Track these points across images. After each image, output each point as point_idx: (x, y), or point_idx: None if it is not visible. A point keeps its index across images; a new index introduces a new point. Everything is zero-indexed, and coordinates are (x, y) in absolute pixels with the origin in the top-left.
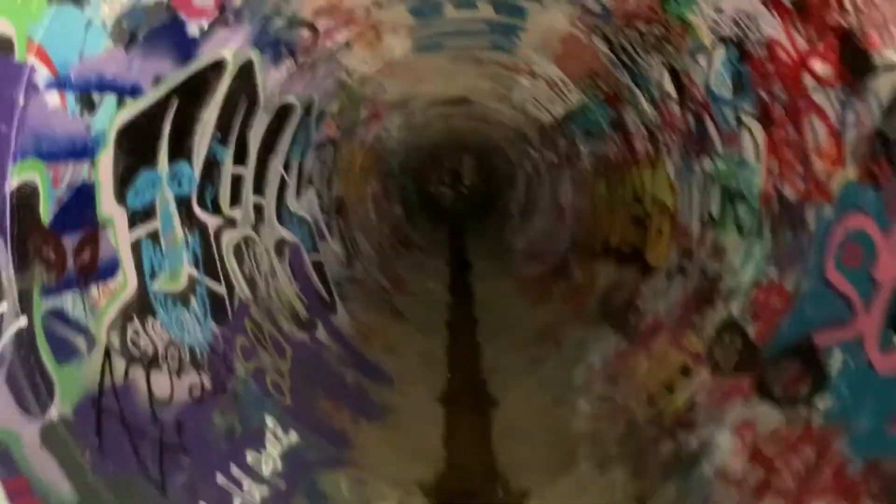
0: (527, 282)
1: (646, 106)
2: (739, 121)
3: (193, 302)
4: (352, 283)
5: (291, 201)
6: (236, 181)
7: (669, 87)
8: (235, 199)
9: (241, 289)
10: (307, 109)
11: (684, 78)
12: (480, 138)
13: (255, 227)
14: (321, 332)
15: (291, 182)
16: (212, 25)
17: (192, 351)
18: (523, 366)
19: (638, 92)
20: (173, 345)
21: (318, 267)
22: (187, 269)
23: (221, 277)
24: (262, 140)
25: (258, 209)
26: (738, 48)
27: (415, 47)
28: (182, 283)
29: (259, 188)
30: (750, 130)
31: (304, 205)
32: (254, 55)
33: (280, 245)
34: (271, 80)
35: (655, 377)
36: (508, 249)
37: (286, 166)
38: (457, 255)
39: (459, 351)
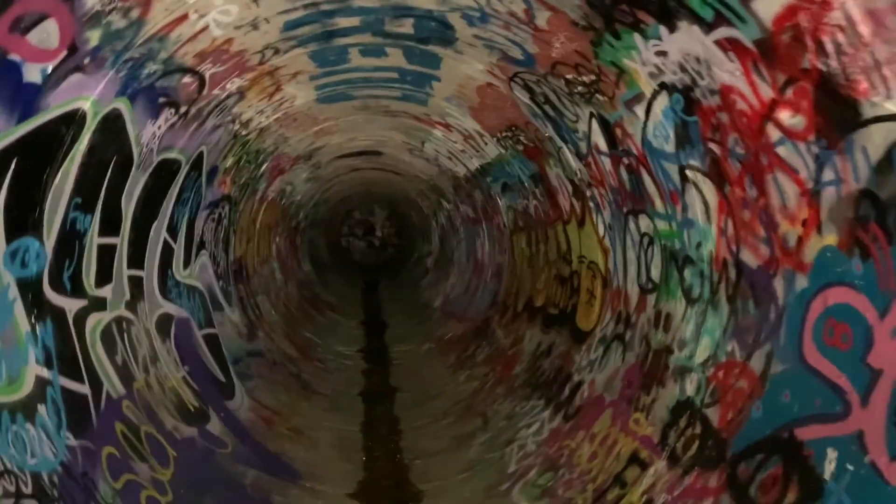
0: (446, 343)
1: (571, 160)
2: (684, 177)
3: (42, 411)
4: (254, 356)
5: (179, 270)
6: (106, 253)
7: (599, 139)
8: (105, 274)
9: (112, 384)
10: (195, 165)
11: (617, 130)
12: (392, 190)
13: (132, 305)
14: (214, 424)
15: (178, 248)
16: (59, 69)
17: (35, 478)
18: (448, 446)
19: (562, 145)
20: (7, 475)
21: (213, 342)
22: (34, 370)
23: (84, 373)
24: (140, 203)
25: (135, 283)
26: (684, 96)
27: (319, 97)
28: (25, 389)
29: (137, 258)
30: (697, 187)
31: (196, 272)
32: (122, 105)
33: (164, 323)
34: (147, 133)
35: (602, 466)
36: (425, 306)
37: (171, 230)
38: (371, 313)
39: (376, 429)
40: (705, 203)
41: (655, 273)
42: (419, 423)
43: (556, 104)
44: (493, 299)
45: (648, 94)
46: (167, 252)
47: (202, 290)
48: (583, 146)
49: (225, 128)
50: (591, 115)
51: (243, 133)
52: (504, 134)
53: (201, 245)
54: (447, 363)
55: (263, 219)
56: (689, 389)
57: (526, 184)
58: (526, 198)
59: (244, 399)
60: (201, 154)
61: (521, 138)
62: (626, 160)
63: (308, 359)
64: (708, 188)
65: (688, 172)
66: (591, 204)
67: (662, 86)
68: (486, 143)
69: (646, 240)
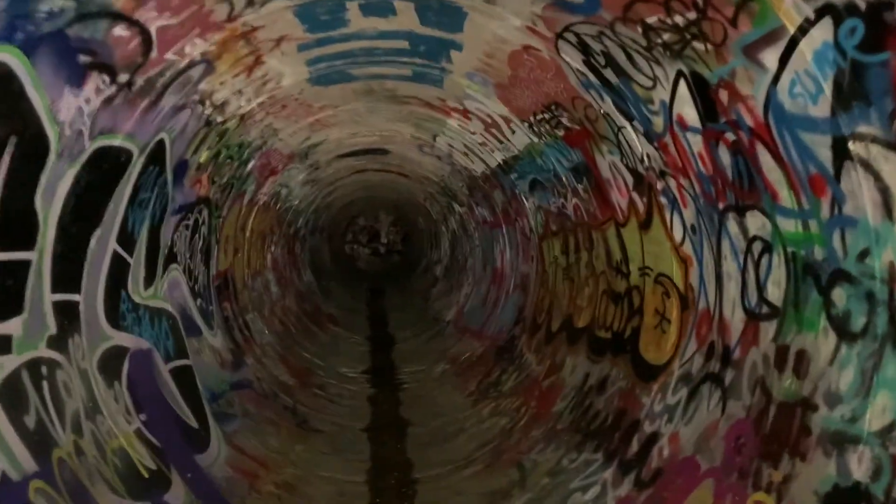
0: (463, 364)
1: (636, 142)
2: (842, 153)
3: None
4: (239, 388)
5: (138, 289)
6: (10, 274)
7: (687, 109)
8: (9, 303)
9: (12, 461)
10: (154, 157)
11: (721, 93)
12: (398, 194)
13: (59, 342)
14: (176, 491)
15: (137, 262)
16: None
17: None
18: None
19: (625, 123)
20: None
21: (185, 377)
22: None
23: None
24: (69, 204)
25: (66, 311)
26: (869, 21)
27: (312, 76)
28: None
29: (68, 279)
30: (868, 167)
31: (163, 291)
32: (10, 58)
33: (111, 359)
34: (67, 107)
35: None
36: (436, 319)
37: (124, 241)
38: (377, 326)
39: (385, 479)
40: (884, 190)
41: (775, 293)
42: (437, 470)
43: (622, 65)
44: (519, 315)
45: (793, 29)
46: (119, 268)
47: (172, 312)
48: (657, 122)
49: (192, 110)
50: (679, 75)
51: (219, 120)
52: (540, 117)
53: (171, 258)
54: (466, 390)
55: (255, 226)
56: (858, 471)
57: (564, 178)
58: (562, 196)
59: (221, 449)
60: (162, 143)
61: (564, 120)
62: (730, 135)
63: (306, 386)
64: (890, 165)
65: (852, 146)
66: (664, 199)
67: (825, 10)
68: (513, 132)
69: (757, 246)
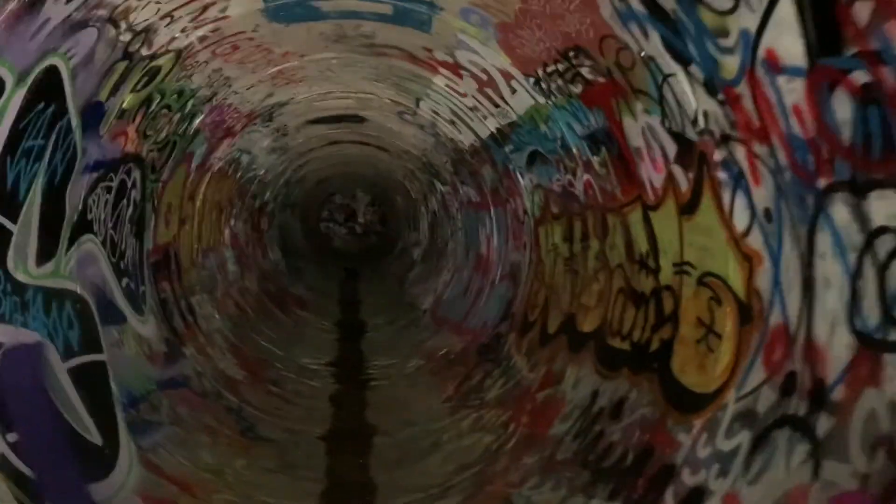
0: (440, 361)
1: (686, 94)
2: None
3: None
4: (171, 387)
5: (26, 266)
6: None
7: (786, 38)
8: None
9: None
10: (42, 90)
11: (857, 5)
12: (376, 170)
13: None
14: None
15: (25, 230)
16: None
17: None
18: None
19: (673, 67)
20: None
21: (92, 377)
22: None
23: None
24: None
25: None
26: None
27: (268, 7)
28: None
29: None
30: None
31: (69, 267)
32: None
33: None
34: None
35: None
36: (412, 306)
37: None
38: (348, 311)
39: None
40: None
41: None
42: (406, 498)
43: None
44: (507, 310)
45: None
46: None
47: (81, 294)
48: (729, 64)
49: (99, 31)
50: None
51: (144, 53)
52: (552, 68)
53: (83, 226)
54: (443, 394)
55: (208, 195)
56: None
57: (574, 149)
58: (570, 171)
59: (132, 472)
60: (54, 72)
61: (584, 71)
62: (859, 75)
63: (258, 381)
64: None
65: None
66: (723, 174)
67: None
68: (513, 91)
69: (886, 242)
